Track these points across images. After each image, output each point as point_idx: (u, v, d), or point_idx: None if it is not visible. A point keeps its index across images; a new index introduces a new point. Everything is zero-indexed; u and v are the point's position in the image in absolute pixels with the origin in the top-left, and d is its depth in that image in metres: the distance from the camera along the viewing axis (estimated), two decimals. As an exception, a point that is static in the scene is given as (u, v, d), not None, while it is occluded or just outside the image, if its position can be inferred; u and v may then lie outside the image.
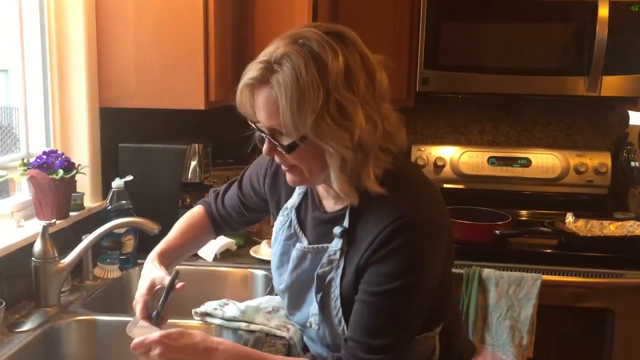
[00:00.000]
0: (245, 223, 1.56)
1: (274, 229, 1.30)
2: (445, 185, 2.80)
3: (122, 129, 2.14)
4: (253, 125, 1.13)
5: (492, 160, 2.79)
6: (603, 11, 2.32)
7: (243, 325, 1.49)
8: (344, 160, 1.04)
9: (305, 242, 1.22)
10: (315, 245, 1.19)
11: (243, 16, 2.16)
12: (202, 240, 1.53)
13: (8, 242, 1.56)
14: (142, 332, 1.12)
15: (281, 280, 1.26)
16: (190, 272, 1.97)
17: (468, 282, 2.18)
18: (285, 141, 1.06)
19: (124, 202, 1.88)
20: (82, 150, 1.96)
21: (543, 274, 2.17)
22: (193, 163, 2.07)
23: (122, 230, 1.86)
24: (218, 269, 1.99)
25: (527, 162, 2.77)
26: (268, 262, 1.99)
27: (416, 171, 1.21)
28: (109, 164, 2.06)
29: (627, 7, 2.34)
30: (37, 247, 1.54)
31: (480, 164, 2.79)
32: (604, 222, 2.44)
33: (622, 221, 2.44)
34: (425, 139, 2.96)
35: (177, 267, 1.39)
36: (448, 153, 2.81)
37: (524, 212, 2.75)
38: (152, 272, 1.30)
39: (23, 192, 1.85)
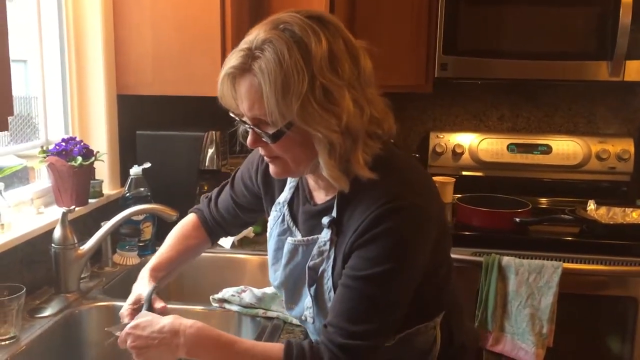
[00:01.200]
0: (241, 225, 1.50)
1: (268, 225, 1.27)
2: (464, 173, 2.77)
3: (140, 116, 2.15)
4: (236, 118, 1.08)
5: (512, 147, 2.75)
6: (627, -6, 2.27)
7: (260, 312, 1.49)
8: (333, 146, 1.01)
9: (298, 236, 1.19)
10: (305, 238, 1.16)
11: (260, 2, 2.14)
12: (197, 250, 1.45)
13: (28, 229, 1.57)
14: (123, 328, 1.14)
15: (276, 277, 1.23)
16: (208, 259, 1.97)
17: (488, 270, 2.15)
18: (271, 130, 1.02)
19: (142, 189, 1.89)
20: (100, 137, 1.97)
21: (564, 262, 2.14)
22: (210, 150, 2.07)
23: (140, 217, 1.87)
24: (236, 256, 1.99)
25: (547, 149, 2.72)
26: (286, 249, 2.00)
27: (405, 158, 1.16)
28: (127, 151, 2.07)
29: (652, -11, 2.29)
30: (57, 233, 1.55)
31: (499, 151, 2.75)
32: (626, 209, 2.39)
33: (645, 209, 2.40)
34: (444, 126, 2.92)
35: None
36: (467, 140, 2.78)
37: (544, 200, 2.72)
38: (139, 286, 1.29)
39: (42, 179, 1.87)
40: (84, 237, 1.62)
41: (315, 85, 0.97)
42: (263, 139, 1.04)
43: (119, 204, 1.89)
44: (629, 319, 2.20)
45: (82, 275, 1.65)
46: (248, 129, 1.06)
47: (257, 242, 2.09)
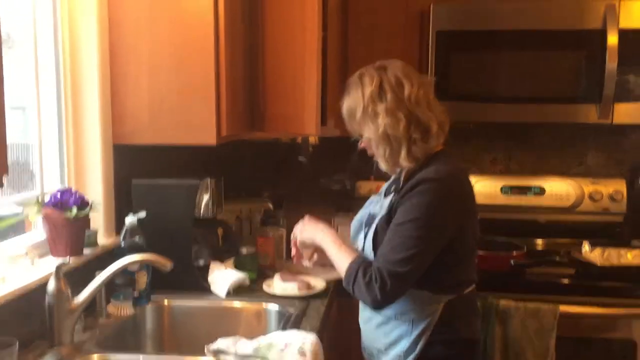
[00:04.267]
0: None
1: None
2: (459, 215, 2.78)
3: (136, 165, 2.16)
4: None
5: (506, 190, 2.77)
6: (612, 39, 2.33)
7: (257, 362, 1.47)
8: (383, 147, 1.59)
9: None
10: (382, 197, 1.73)
11: (254, 51, 2.19)
12: None
13: (23, 282, 1.56)
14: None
15: (355, 218, 1.81)
16: (203, 307, 1.97)
17: (485, 315, 2.14)
18: (356, 136, 1.67)
19: (137, 238, 1.89)
20: (95, 186, 1.98)
21: (561, 304, 2.14)
22: (205, 197, 2.08)
23: (135, 267, 1.86)
24: (231, 304, 1.97)
25: (540, 191, 2.74)
26: (280, 298, 1.99)
27: (450, 159, 1.64)
28: (123, 200, 2.07)
29: (636, 34, 2.35)
30: (51, 286, 1.54)
31: (493, 193, 2.77)
32: (621, 250, 2.40)
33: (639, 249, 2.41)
34: (438, 169, 2.94)
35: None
36: (461, 183, 2.79)
37: (539, 241, 2.73)
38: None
39: (38, 229, 1.87)
40: (78, 287, 1.61)
41: (368, 109, 1.58)
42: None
43: (113, 253, 1.88)
44: (629, 362, 2.19)
45: (76, 327, 1.63)
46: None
47: (253, 290, 2.08)
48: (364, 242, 1.67)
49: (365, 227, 1.69)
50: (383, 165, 1.63)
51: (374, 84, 1.58)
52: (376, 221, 1.64)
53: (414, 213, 1.51)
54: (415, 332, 1.61)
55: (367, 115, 1.58)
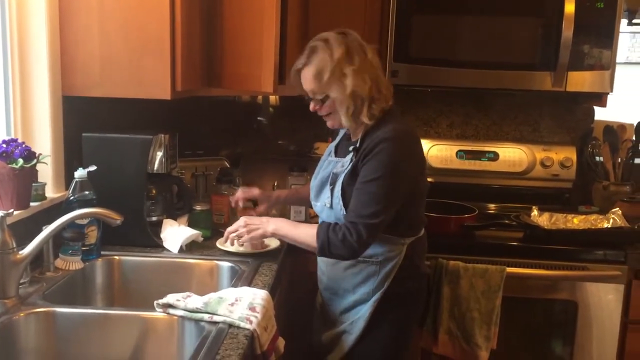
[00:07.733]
0: None
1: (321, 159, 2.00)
2: (414, 178, 2.81)
3: (87, 118, 2.11)
4: (306, 97, 1.81)
5: (461, 154, 2.81)
6: (569, 7, 2.35)
7: (206, 316, 1.48)
8: (348, 106, 1.73)
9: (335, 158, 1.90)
10: (338, 158, 1.86)
11: (212, 5, 2.13)
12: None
13: (-36, 233, 1.52)
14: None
15: (314, 179, 1.92)
16: (155, 263, 1.95)
17: (435, 274, 2.19)
18: (319, 97, 1.76)
19: (87, 192, 1.85)
20: (44, 139, 1.92)
21: (508, 266, 2.20)
22: (159, 153, 2.05)
23: (84, 221, 1.83)
24: (184, 260, 1.97)
25: (494, 156, 2.79)
26: (234, 254, 1.99)
27: (400, 117, 1.83)
28: (73, 154, 2.02)
29: (593, 3, 2.37)
30: (-6, 237, 1.50)
31: (448, 157, 2.81)
32: (568, 215, 2.48)
33: (585, 215, 2.49)
34: (395, 132, 2.95)
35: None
36: (417, 146, 2.82)
37: (491, 206, 2.79)
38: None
39: (-18, 181, 1.81)
40: (25, 242, 1.58)
41: (336, 71, 1.70)
42: (317, 104, 1.78)
43: (62, 207, 1.84)
44: (569, 322, 2.28)
45: (22, 281, 1.60)
46: (310, 100, 1.80)
47: (206, 247, 2.08)
48: (332, 198, 1.79)
49: (330, 185, 1.80)
50: (345, 122, 1.77)
51: (342, 47, 1.71)
52: (341, 178, 1.77)
53: (379, 171, 1.67)
54: (383, 271, 1.79)
55: (334, 77, 1.70)
